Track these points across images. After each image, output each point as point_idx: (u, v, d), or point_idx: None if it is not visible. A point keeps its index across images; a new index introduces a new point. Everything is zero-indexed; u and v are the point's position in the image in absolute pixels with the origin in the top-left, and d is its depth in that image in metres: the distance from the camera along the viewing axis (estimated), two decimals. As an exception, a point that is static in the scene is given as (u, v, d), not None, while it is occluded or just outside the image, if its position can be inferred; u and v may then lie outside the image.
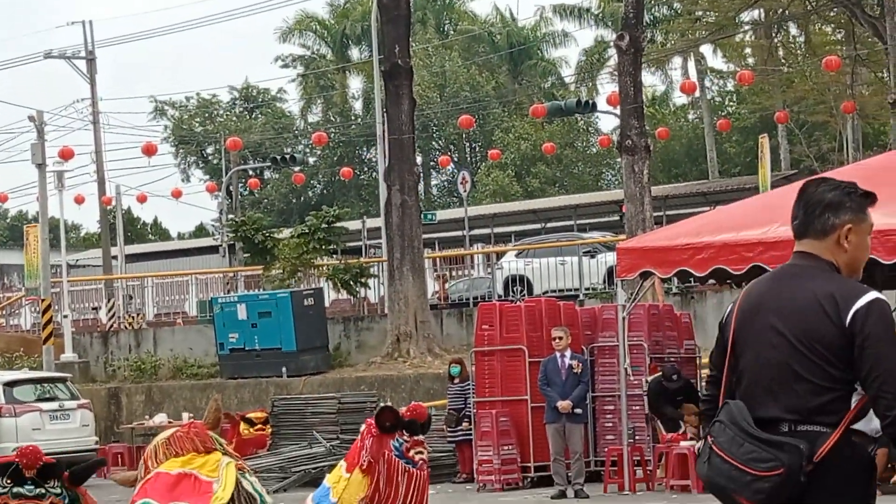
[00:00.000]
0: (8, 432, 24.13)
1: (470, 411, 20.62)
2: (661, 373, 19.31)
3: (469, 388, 20.73)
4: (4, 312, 42.86)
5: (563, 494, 17.73)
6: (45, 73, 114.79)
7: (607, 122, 68.12)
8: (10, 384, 24.98)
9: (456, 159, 72.88)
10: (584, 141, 72.13)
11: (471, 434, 20.36)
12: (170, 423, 29.06)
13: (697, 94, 57.92)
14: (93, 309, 41.88)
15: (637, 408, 19.26)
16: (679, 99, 68.57)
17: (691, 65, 59.87)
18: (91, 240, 74.61)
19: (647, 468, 19.03)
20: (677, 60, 60.22)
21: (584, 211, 50.55)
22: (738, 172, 60.56)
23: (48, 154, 35.20)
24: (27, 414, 24.45)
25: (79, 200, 53.67)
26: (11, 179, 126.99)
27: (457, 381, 21.70)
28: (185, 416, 28.88)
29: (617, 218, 42.20)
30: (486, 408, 19.83)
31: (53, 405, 24.99)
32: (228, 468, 11.54)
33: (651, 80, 63.73)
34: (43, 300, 32.76)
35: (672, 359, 20.03)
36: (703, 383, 19.56)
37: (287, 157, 53.64)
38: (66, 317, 34.92)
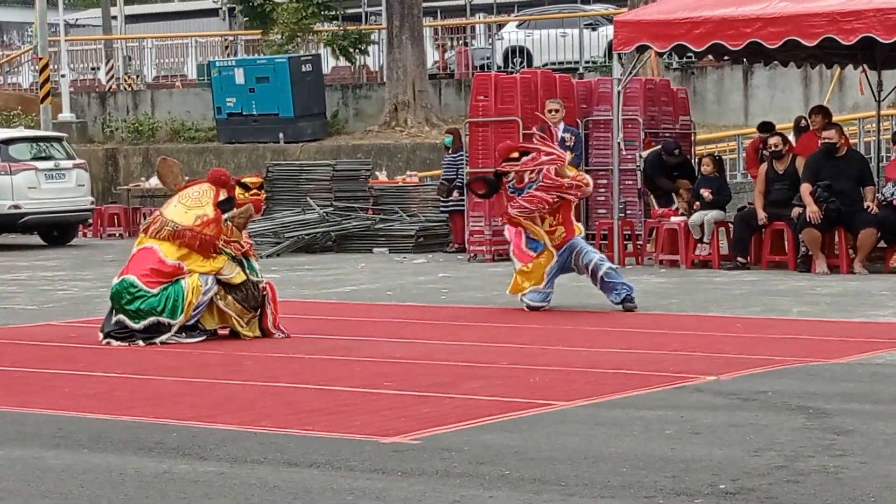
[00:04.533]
0: (3, 190, 24.16)
1: (462, 181, 20.67)
2: (660, 146, 19.30)
3: (462, 159, 20.74)
4: (3, 70, 42.62)
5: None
6: None
7: None
8: (6, 142, 24.89)
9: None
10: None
11: (463, 204, 20.45)
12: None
13: None
14: (91, 69, 41.63)
15: (629, 183, 19.27)
16: None
17: None
18: (91, -1, 73.71)
19: (637, 242, 19.14)
20: None
21: (588, -18, 49.84)
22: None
23: None
24: (22, 172, 24.43)
25: (79, -42, 52.96)
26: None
27: (450, 151, 21.71)
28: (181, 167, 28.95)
29: (621, -10, 41.64)
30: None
31: (49, 164, 24.96)
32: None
33: None
34: (40, 59, 32.54)
35: (667, 134, 19.99)
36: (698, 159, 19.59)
37: (288, -82, 52.69)
38: (63, 76, 34.71)
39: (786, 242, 17.57)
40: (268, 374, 9.84)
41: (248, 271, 11.84)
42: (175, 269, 11.60)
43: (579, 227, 13.85)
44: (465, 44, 36.39)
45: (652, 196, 19.34)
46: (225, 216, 11.81)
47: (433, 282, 16.94)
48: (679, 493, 6.12)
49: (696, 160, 19.82)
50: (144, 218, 27.83)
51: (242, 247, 11.95)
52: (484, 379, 9.41)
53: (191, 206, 11.77)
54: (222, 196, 11.89)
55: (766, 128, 19.08)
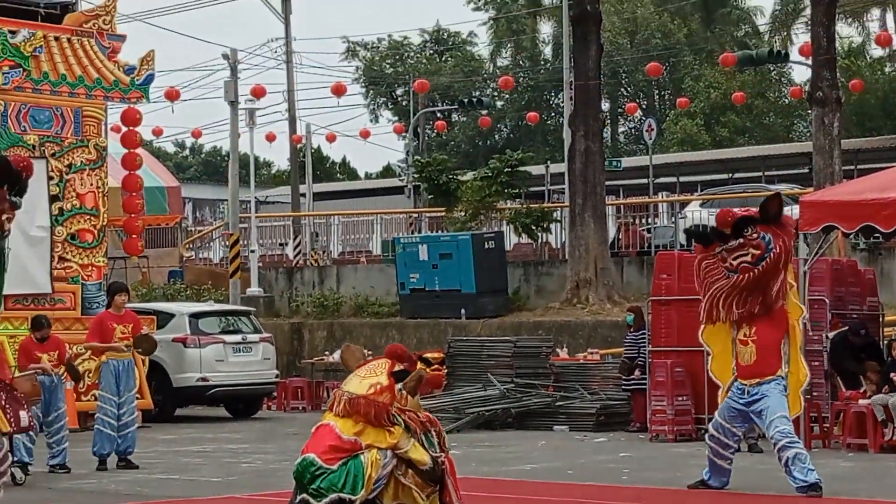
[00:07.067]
0: (192, 362, 24.68)
1: (643, 360, 20.54)
2: (846, 327, 19.03)
3: (644, 337, 20.64)
4: (196, 245, 43.79)
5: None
6: (240, 11, 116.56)
7: (801, 72, 66.71)
8: (196, 315, 25.49)
9: (644, 106, 72.18)
10: (776, 91, 70.88)
11: (645, 383, 20.30)
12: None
13: (895, 46, 56.53)
14: (280, 245, 42.54)
15: (816, 364, 18.92)
16: (876, 51, 66.91)
17: (890, 17, 58.37)
18: (281, 177, 75.72)
19: (823, 425, 18.76)
20: (875, 12, 58.76)
21: (772, 162, 49.71)
22: (935, 127, 58.93)
23: (241, 92, 35.71)
24: (211, 345, 24.94)
25: (270, 138, 54.49)
26: (205, 116, 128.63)
27: (632, 329, 21.61)
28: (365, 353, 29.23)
29: (806, 171, 41.42)
30: (662, 357, 19.73)
31: (237, 338, 25.45)
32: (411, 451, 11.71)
33: (848, 32, 62.32)
34: (231, 235, 33.37)
35: (854, 315, 19.69)
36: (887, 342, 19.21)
37: (474, 100, 53.66)
38: (253, 252, 35.52)
39: (979, 428, 17.07)
40: (448, 552, 9.78)
41: (426, 446, 11.83)
42: (353, 444, 11.65)
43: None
44: (631, 223, 36.61)
45: (839, 378, 18.99)
46: (398, 385, 11.88)
47: (614, 461, 16.76)
48: None
49: (884, 342, 19.45)
50: (328, 392, 28.25)
51: (418, 417, 11.95)
52: (667, 562, 9.25)
53: (365, 375, 11.90)
54: (397, 367, 11.96)
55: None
